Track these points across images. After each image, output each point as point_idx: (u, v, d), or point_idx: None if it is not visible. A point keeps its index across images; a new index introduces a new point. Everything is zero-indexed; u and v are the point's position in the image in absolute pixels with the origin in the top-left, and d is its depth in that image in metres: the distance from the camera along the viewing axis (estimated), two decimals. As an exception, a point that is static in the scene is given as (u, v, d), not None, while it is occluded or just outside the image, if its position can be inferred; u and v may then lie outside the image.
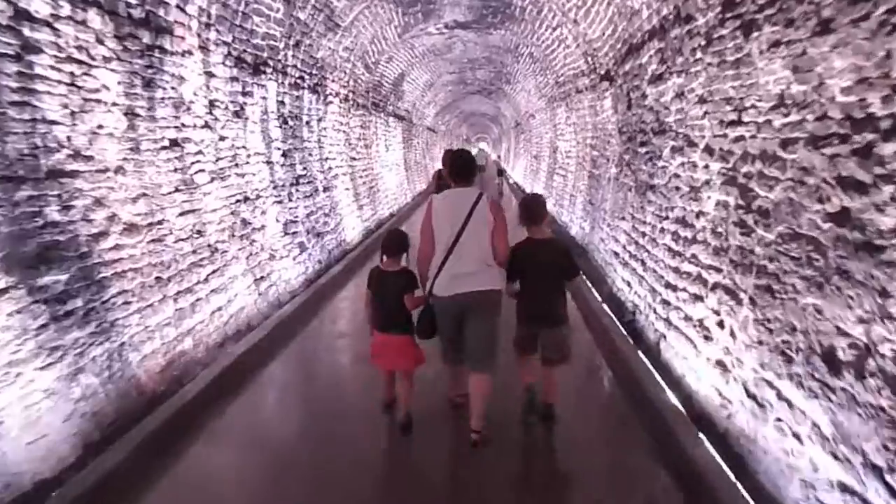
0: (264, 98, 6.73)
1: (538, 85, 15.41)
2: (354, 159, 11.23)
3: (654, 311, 4.73)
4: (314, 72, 8.41)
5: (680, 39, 4.58)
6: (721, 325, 3.43)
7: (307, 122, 8.30)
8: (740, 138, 3.49)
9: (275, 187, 6.90)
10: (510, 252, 3.58)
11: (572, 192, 11.06)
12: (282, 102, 7.29)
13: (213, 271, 5.14)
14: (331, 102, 9.47)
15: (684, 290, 4.13)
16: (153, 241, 4.34)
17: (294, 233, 7.24)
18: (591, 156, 9.46)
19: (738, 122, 3.52)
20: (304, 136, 8.12)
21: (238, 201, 5.92)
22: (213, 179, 5.46)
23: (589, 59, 8.74)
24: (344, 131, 10.48)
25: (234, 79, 5.96)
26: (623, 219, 6.52)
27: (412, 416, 3.82)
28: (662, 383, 4.07)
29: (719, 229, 3.69)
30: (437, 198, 3.62)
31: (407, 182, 18.46)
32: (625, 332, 5.20)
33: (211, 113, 5.50)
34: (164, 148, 4.66)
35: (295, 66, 7.61)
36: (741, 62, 3.46)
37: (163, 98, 4.66)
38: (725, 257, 3.53)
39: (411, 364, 3.78)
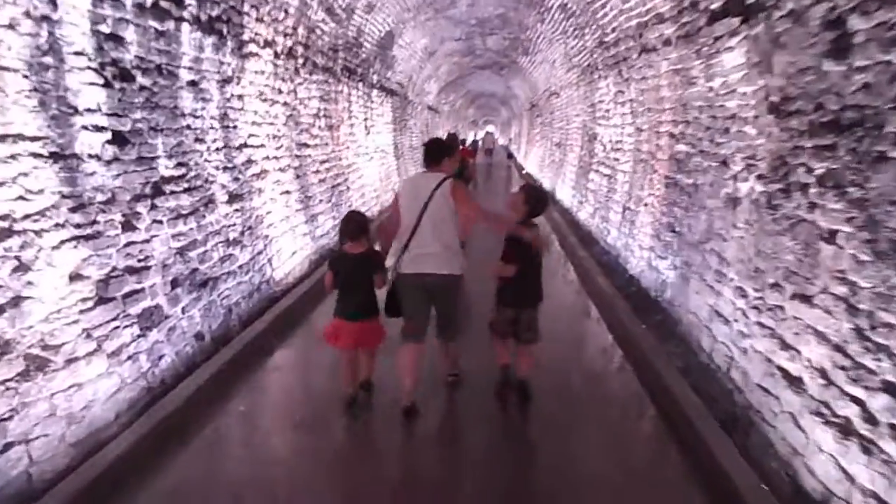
0: (44, 19, 3.16)
1: (568, 53, 11.76)
2: (305, 146, 7.63)
3: None
4: (211, -5, 4.81)
5: None
6: None
7: (193, 83, 4.73)
8: None
9: (75, 208, 3.36)
10: (508, 240, 3.77)
11: (627, 205, 7.47)
12: (112, 37, 3.70)
13: None
14: (253, 55, 5.86)
15: None
16: None
17: (129, 295, 3.70)
18: (673, 151, 5.87)
19: None
20: (181, 107, 4.55)
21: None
22: None
23: (683, -13, 5.14)
24: (285, 103, 6.88)
25: None
26: (810, 302, 2.97)
27: (372, 384, 4.03)
28: None
29: None
30: (405, 181, 3.99)
31: (397, 173, 14.86)
32: None
33: None
34: None
35: (154, -26, 4.02)
36: None
37: None
38: None
39: (374, 342, 3.82)
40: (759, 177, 3.80)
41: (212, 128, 5.04)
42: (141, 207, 3.95)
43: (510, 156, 30.99)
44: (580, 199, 10.97)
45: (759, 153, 3.83)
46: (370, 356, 3.96)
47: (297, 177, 7.18)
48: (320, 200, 8.00)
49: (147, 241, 3.97)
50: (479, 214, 3.71)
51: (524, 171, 22.46)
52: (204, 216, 4.77)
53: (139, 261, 3.85)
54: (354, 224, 3.72)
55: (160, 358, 3.88)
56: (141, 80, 4.00)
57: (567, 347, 5.03)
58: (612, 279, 6.53)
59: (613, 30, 7.89)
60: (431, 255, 3.56)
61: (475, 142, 29.45)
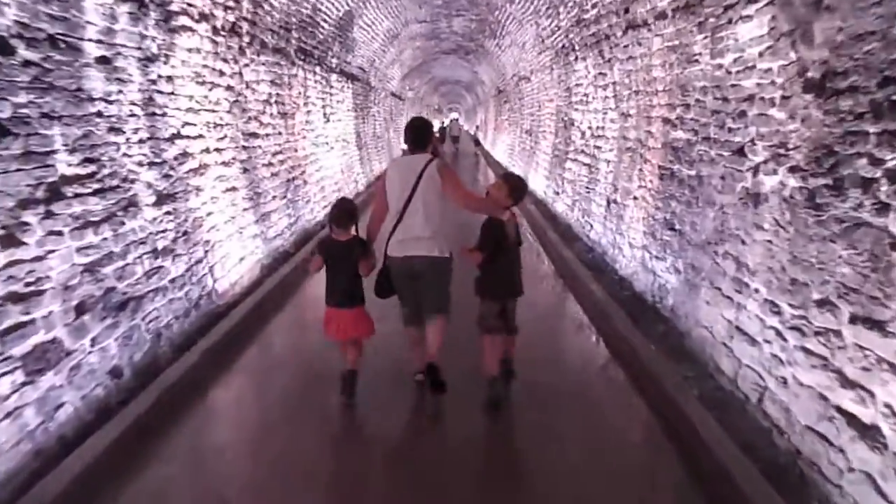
0: None
1: (540, 34, 11.10)
2: (254, 136, 6.77)
3: None
4: (124, -47, 3.94)
5: None
6: None
7: (104, 60, 3.86)
8: None
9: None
10: (485, 225, 3.65)
11: (613, 197, 6.85)
12: (-21, -3, 2.84)
13: None
14: (185, 29, 4.99)
15: None
16: None
17: (10, 332, 2.86)
18: (669, 139, 5.24)
19: None
20: (88, 89, 3.68)
21: None
22: None
23: (684, -50, 4.48)
24: (228, 87, 6.01)
25: None
26: (883, 329, 2.35)
27: (357, 374, 3.80)
28: None
29: None
30: (391, 164, 3.84)
31: (360, 163, 14.01)
32: None
33: None
34: None
35: (41, -81, 3.15)
36: None
37: None
38: None
39: (362, 333, 3.78)
40: (794, 169, 3.17)
41: (132, 115, 4.18)
42: (30, 216, 3.10)
43: (477, 143, 30.43)
44: (556, 190, 10.35)
45: (793, 141, 3.20)
46: (355, 347, 3.82)
47: (245, 171, 6.33)
48: (273, 197, 7.15)
49: (40, 258, 3.13)
50: (466, 199, 3.62)
51: (492, 159, 21.80)
52: (123, 222, 3.93)
53: (27, 285, 3.02)
54: (342, 211, 3.69)
55: (57, 408, 3.06)
56: (25, 53, 3.13)
57: (556, 368, 4.35)
58: (601, 281, 5.89)
59: (594, 5, 7.23)
60: (420, 238, 3.48)
61: (442, 129, 28.72)
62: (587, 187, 8.16)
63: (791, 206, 3.16)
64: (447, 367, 3.70)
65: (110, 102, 3.92)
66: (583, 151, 8.70)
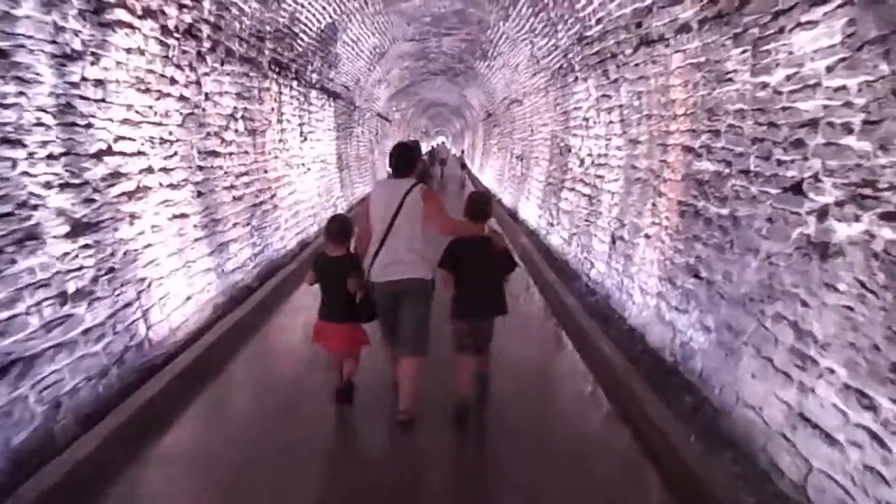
0: None
1: (535, 54, 10.47)
2: (214, 154, 5.92)
3: None
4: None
5: None
6: None
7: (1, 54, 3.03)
8: None
9: None
10: (448, 246, 3.67)
11: (619, 233, 6.08)
12: None
13: None
14: (121, 24, 4.16)
15: None
16: None
17: None
18: (692, 170, 4.49)
19: None
20: (-32, 89, 2.85)
21: None
22: None
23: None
24: (181, 97, 5.18)
25: None
26: None
27: (354, 385, 3.90)
28: None
29: None
30: (376, 186, 3.92)
31: (340, 186, 13.18)
32: None
33: None
34: None
35: None
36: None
37: None
38: None
39: (354, 347, 3.79)
40: (889, 216, 2.41)
41: (39, 124, 3.34)
42: None
43: (463, 166, 29.88)
44: (550, 221, 9.59)
45: (886, 179, 2.45)
46: (351, 358, 3.87)
47: (199, 194, 5.47)
48: (234, 224, 6.29)
49: None
50: (446, 224, 3.62)
51: (480, 184, 21.11)
52: (13, 260, 3.06)
53: None
54: (337, 227, 3.72)
55: None
56: None
57: (554, 448, 3.53)
58: (608, 331, 5.09)
59: (599, 21, 6.54)
60: (401, 262, 3.48)
61: (430, 152, 28.08)
62: (587, 220, 7.40)
63: (887, 265, 2.39)
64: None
65: (4, 107, 3.08)
66: (582, 181, 7.96)
